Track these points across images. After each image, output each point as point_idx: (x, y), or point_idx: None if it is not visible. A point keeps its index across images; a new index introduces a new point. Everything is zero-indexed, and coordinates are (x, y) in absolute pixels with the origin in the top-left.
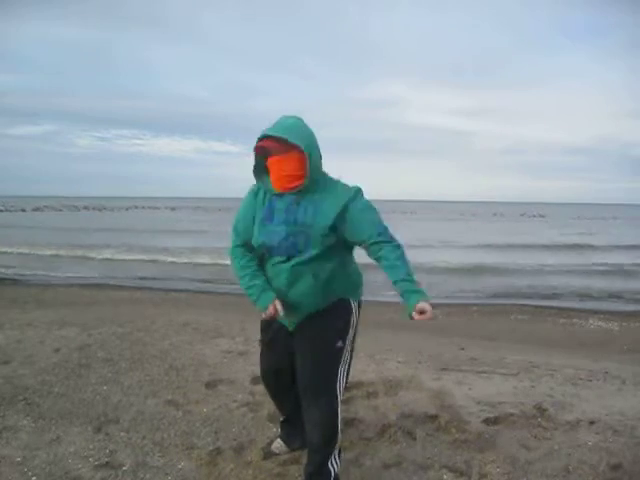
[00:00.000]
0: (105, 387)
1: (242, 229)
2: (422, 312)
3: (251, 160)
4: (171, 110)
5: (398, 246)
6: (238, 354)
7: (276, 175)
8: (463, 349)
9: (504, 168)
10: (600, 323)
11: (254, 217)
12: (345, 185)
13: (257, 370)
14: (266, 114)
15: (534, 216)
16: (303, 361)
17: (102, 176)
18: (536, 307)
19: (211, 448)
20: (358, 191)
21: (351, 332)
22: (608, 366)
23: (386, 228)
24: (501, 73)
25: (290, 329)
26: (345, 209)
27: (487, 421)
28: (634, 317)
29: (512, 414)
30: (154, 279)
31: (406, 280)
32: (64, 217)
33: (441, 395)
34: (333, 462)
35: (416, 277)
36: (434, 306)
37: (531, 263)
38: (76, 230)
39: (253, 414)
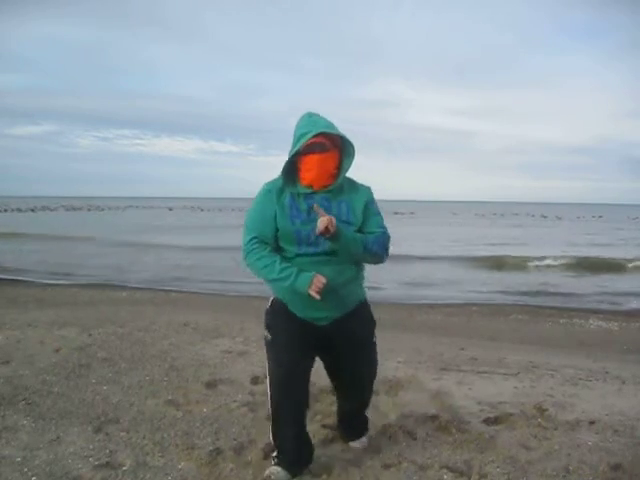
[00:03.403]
0: (105, 387)
1: (259, 225)
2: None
3: (252, 160)
4: (172, 110)
5: (384, 233)
6: (238, 354)
7: (316, 173)
8: (463, 349)
9: (505, 168)
10: (600, 323)
11: (275, 214)
12: (362, 184)
13: (257, 370)
14: (267, 114)
15: (532, 216)
16: (352, 356)
17: (103, 176)
18: (536, 307)
19: (211, 448)
20: (371, 191)
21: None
22: (608, 366)
23: (385, 228)
24: (502, 73)
25: (323, 323)
26: (366, 208)
27: (487, 421)
28: (634, 317)
29: (512, 414)
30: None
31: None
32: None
33: (441, 395)
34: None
35: (364, 244)
36: (434, 306)
37: (531, 263)
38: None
39: (253, 414)
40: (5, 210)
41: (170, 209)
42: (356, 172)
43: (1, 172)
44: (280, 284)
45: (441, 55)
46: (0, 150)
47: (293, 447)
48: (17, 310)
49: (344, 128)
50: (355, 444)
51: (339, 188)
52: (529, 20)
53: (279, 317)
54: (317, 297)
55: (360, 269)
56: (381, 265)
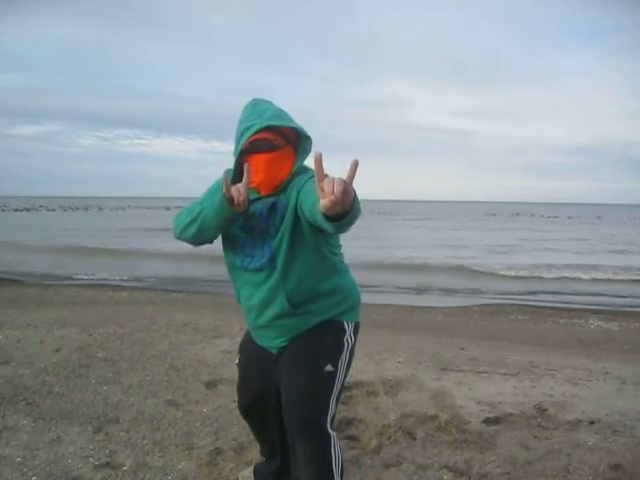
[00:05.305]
0: (105, 387)
1: (207, 199)
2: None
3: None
4: (173, 110)
5: None
6: (238, 354)
7: (263, 176)
8: (463, 349)
9: (506, 168)
10: (600, 323)
11: None
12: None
13: None
14: None
15: (532, 215)
16: (285, 391)
17: (104, 176)
18: (536, 307)
19: (211, 448)
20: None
21: (344, 355)
22: (608, 366)
23: None
24: (504, 73)
25: (274, 352)
26: (299, 190)
27: (487, 421)
28: (634, 317)
29: (512, 414)
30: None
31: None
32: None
33: (441, 395)
34: None
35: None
36: (434, 307)
37: (531, 263)
38: None
39: None
40: (2, 210)
41: (167, 209)
42: (357, 172)
43: (2, 172)
44: (205, 217)
45: (442, 55)
46: (0, 150)
47: (270, 458)
48: (17, 310)
49: (346, 128)
50: None
51: (285, 187)
52: (531, 20)
53: (245, 338)
54: (239, 207)
55: (324, 285)
56: (383, 268)
